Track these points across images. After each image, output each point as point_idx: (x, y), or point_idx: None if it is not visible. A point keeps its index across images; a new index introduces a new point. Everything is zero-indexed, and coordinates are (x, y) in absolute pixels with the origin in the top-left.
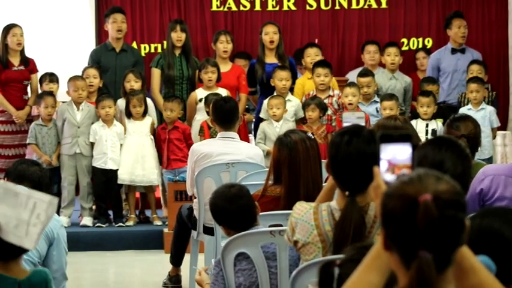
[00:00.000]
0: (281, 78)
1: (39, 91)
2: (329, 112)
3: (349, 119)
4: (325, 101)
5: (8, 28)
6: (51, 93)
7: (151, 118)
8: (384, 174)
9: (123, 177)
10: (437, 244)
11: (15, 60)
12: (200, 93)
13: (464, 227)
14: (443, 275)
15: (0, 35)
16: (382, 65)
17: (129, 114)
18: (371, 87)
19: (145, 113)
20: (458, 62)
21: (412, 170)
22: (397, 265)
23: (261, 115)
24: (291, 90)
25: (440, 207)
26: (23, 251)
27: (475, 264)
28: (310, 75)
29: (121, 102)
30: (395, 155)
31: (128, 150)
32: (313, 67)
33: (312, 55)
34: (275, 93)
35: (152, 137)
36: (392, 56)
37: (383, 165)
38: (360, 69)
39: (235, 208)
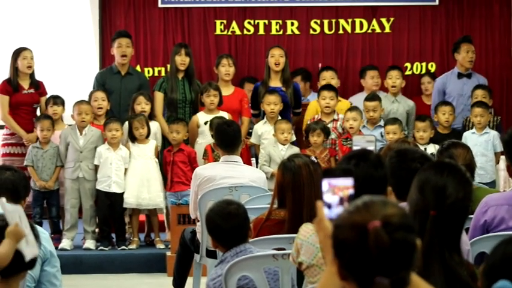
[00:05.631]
0: (269, 103)
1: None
2: (333, 136)
3: (359, 143)
4: (330, 125)
5: (19, 51)
6: (48, 116)
7: (155, 141)
8: (325, 195)
9: (130, 201)
10: (392, 268)
11: (25, 84)
12: (202, 116)
13: (415, 248)
14: None
15: (11, 58)
16: (383, 89)
17: (132, 138)
18: (377, 112)
19: (148, 135)
20: (464, 86)
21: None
22: None
23: (252, 140)
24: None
25: (390, 232)
26: (23, 267)
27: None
28: None
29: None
30: (336, 182)
31: (134, 174)
32: (319, 90)
33: (328, 78)
34: (265, 118)
35: (157, 160)
36: (393, 79)
37: (324, 187)
38: (362, 93)
39: (227, 226)
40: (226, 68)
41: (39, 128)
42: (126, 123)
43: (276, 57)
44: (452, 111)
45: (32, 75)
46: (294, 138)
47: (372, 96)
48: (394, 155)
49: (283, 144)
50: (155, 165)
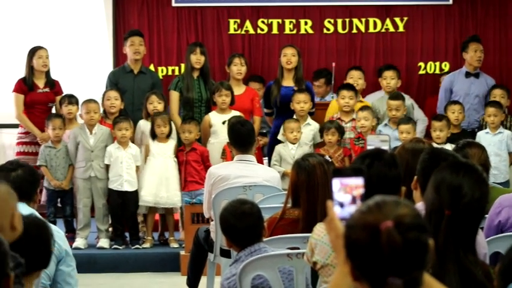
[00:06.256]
0: (299, 101)
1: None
2: (352, 136)
3: (373, 142)
4: (349, 124)
5: (34, 50)
6: (59, 115)
7: (174, 140)
8: (337, 194)
9: (148, 199)
10: (405, 268)
11: (40, 83)
12: (214, 116)
13: (428, 248)
14: None
15: (26, 57)
16: (399, 88)
17: (153, 136)
18: (400, 111)
19: (169, 134)
20: (471, 86)
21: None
22: None
23: (280, 137)
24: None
25: (402, 231)
26: (37, 266)
27: None
28: None
29: (143, 124)
30: (347, 181)
31: (152, 172)
32: (338, 89)
33: (355, 77)
34: (294, 116)
35: (175, 159)
36: (388, 79)
37: (335, 186)
38: (379, 92)
39: (241, 226)
40: (238, 67)
41: (51, 127)
42: (142, 121)
43: (288, 57)
44: (461, 110)
45: (47, 74)
46: (319, 139)
47: (396, 95)
48: (428, 152)
49: (293, 143)
50: (174, 164)
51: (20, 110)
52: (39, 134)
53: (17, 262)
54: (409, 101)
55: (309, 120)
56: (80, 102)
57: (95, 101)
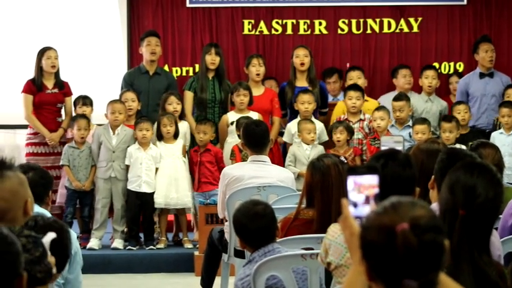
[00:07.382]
0: (303, 102)
1: (73, 114)
2: (360, 136)
3: (387, 143)
4: (356, 124)
5: (43, 51)
6: (85, 116)
7: (182, 140)
8: (350, 193)
9: (159, 201)
10: (421, 270)
11: (49, 83)
12: (232, 116)
13: (444, 249)
14: None
15: (36, 58)
16: (414, 89)
17: (159, 136)
18: (404, 112)
19: (176, 135)
20: (486, 86)
21: (381, 189)
22: None
23: (285, 139)
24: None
25: (418, 233)
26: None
27: None
28: None
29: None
30: (361, 180)
31: (162, 174)
32: (345, 90)
33: (355, 78)
34: (299, 117)
35: (185, 160)
36: (430, 78)
37: (349, 185)
38: (393, 93)
39: (254, 227)
40: (256, 68)
41: (76, 127)
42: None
43: (301, 58)
44: (467, 109)
45: (56, 75)
46: (326, 138)
47: (399, 96)
48: (446, 152)
49: (309, 144)
50: (183, 165)
51: (29, 111)
52: (48, 134)
53: (43, 249)
54: (443, 103)
55: (313, 119)
56: (95, 103)
57: (121, 102)
